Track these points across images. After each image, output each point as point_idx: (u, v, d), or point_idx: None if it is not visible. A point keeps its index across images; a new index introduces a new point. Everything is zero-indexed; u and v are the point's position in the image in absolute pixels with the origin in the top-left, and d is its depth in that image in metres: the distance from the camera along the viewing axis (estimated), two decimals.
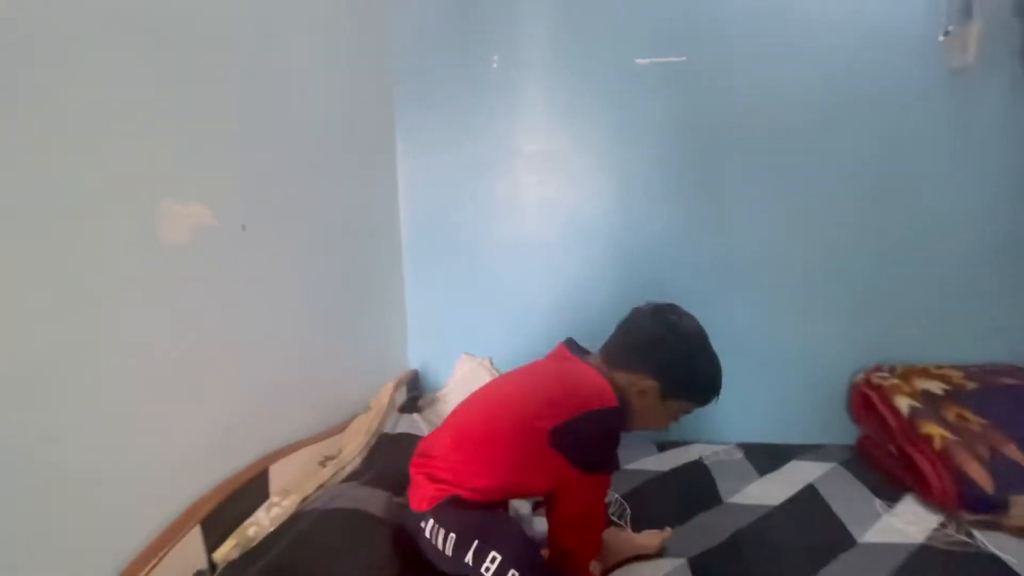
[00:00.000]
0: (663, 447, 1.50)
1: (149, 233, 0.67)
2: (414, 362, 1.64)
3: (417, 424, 1.27)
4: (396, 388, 1.34)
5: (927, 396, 1.27)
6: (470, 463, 0.79)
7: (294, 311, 1.01)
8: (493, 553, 0.70)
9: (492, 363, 1.52)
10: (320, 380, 1.12)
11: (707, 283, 1.51)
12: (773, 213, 1.47)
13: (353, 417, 1.19)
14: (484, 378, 1.44)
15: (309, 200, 1.06)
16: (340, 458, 0.97)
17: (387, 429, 1.20)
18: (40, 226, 0.55)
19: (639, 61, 1.45)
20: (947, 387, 1.28)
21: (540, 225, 1.56)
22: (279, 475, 0.87)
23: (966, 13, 1.32)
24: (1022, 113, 1.36)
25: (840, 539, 1.06)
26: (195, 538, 0.69)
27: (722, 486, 1.27)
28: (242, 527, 0.75)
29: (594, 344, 0.97)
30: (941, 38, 1.36)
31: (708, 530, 1.10)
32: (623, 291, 1.53)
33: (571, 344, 0.96)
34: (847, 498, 1.20)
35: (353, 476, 0.95)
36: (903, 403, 1.27)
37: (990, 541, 1.02)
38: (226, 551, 0.71)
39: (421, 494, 0.78)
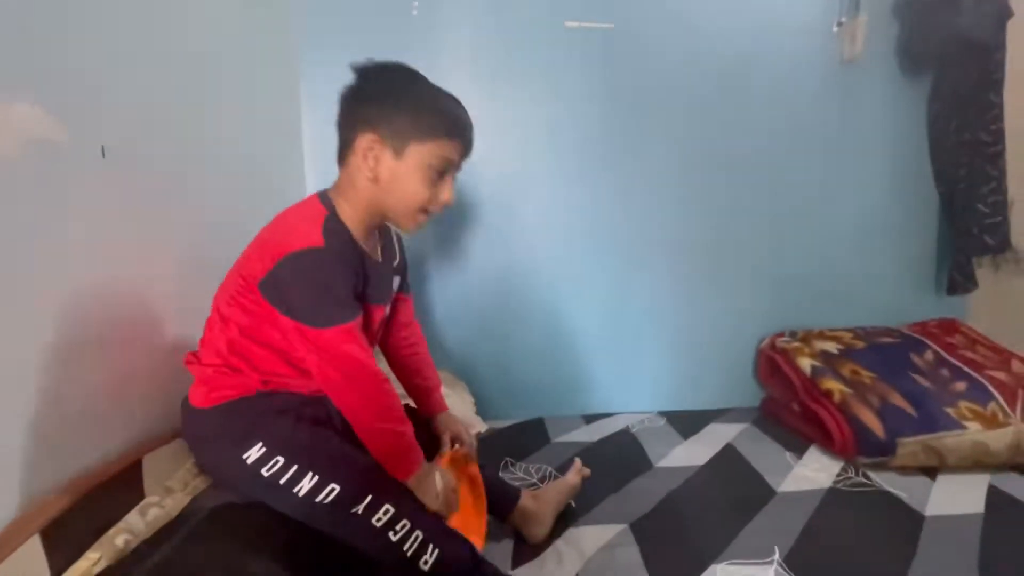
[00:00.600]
0: (590, 420, 1.49)
1: None
2: None
3: None
4: None
5: (825, 356, 1.38)
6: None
7: (177, 259, 0.82)
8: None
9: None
10: None
11: (619, 256, 1.52)
12: (682, 186, 1.51)
13: None
14: None
15: (195, 136, 0.87)
16: None
17: None
18: None
19: (568, 24, 1.41)
20: (841, 347, 1.41)
21: (465, 188, 1.46)
22: (156, 468, 0.69)
23: (855, 6, 1.45)
24: (901, 103, 1.53)
25: (761, 491, 1.11)
26: (33, 553, 0.51)
27: (651, 451, 1.29)
28: (107, 536, 0.57)
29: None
30: (835, 28, 1.48)
31: (643, 494, 1.10)
32: (551, 261, 1.50)
33: None
34: (762, 454, 1.27)
35: None
36: (805, 363, 1.37)
37: (884, 480, 1.13)
38: (85, 568, 0.53)
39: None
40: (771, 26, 1.47)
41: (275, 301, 0.68)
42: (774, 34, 1.47)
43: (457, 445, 0.89)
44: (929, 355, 1.36)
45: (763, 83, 1.49)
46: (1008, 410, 1.16)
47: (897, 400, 1.21)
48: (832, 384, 1.29)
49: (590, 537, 0.95)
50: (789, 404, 1.43)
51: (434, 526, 0.68)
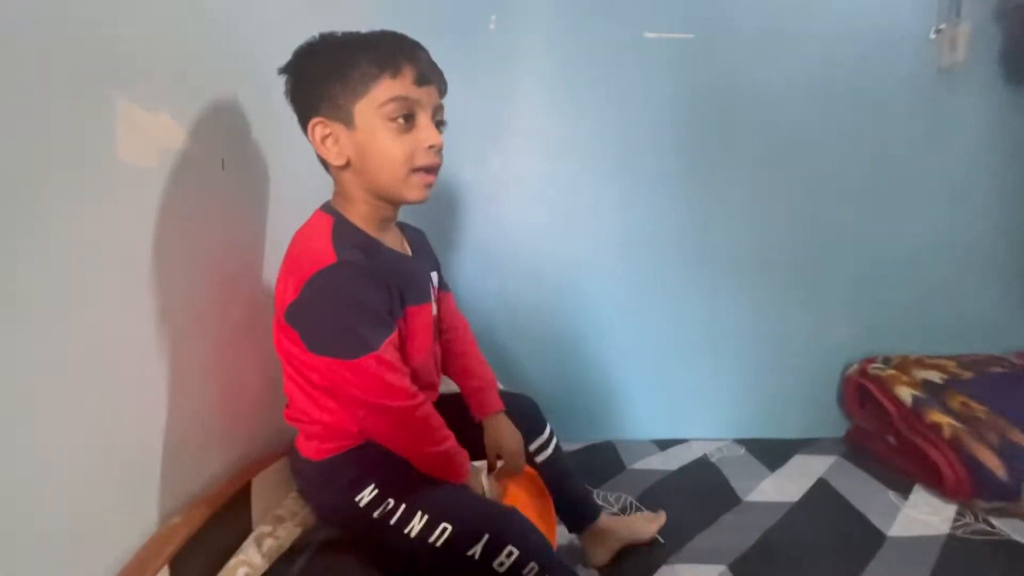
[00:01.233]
0: (663, 445, 1.42)
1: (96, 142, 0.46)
2: None
3: None
4: None
5: (929, 385, 1.28)
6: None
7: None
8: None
9: None
10: None
11: (700, 272, 1.45)
12: (767, 203, 1.44)
13: None
14: None
15: (292, 150, 0.86)
16: None
17: None
18: None
19: (648, 35, 1.37)
20: (945, 376, 1.29)
21: (534, 203, 1.43)
22: (264, 493, 0.66)
23: (955, 13, 1.36)
24: (1004, 115, 1.42)
25: (869, 534, 1.02)
26: None
27: (736, 484, 1.21)
28: (229, 568, 0.54)
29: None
30: (932, 36, 1.39)
31: (736, 531, 1.02)
32: (615, 278, 1.44)
33: None
34: (860, 491, 1.17)
35: None
36: (905, 393, 1.27)
37: (1010, 528, 1.02)
38: None
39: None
40: (859, 34, 1.39)
41: (314, 348, 0.60)
42: (863, 42, 1.39)
43: (500, 463, 0.81)
44: None
45: (850, 93, 1.41)
46: None
47: (1018, 438, 1.10)
48: (939, 417, 1.18)
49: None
50: (883, 436, 1.32)
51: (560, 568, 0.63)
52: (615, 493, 1.16)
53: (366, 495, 0.63)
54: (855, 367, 1.45)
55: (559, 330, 1.47)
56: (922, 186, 1.45)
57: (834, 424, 1.49)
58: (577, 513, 0.92)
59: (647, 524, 0.99)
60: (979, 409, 1.18)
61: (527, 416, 0.87)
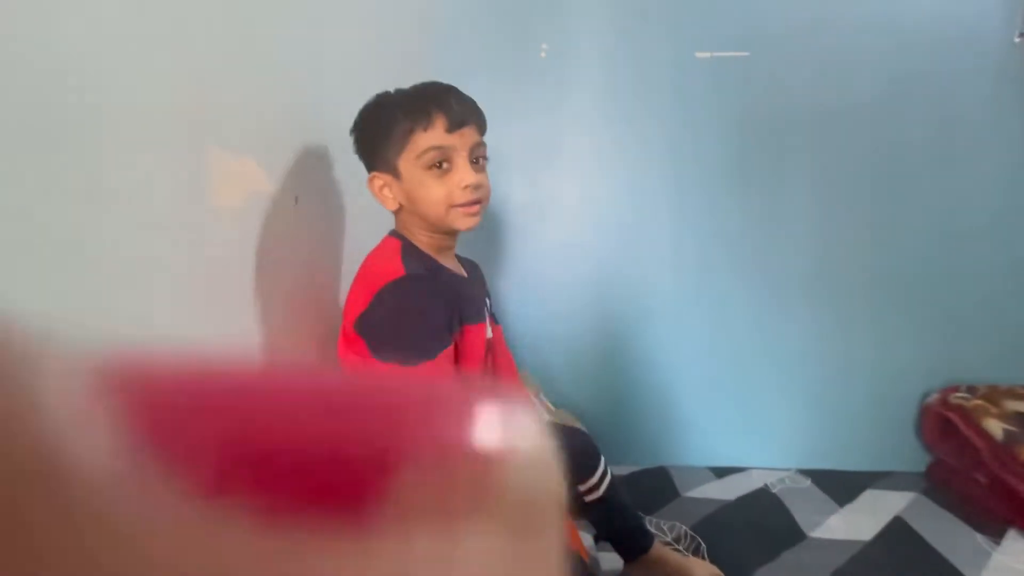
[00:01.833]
0: (720, 473, 1.37)
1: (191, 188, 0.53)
2: None
3: None
4: None
5: (1022, 418, 1.16)
6: None
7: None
8: None
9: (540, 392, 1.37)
10: None
11: (763, 294, 1.40)
12: (836, 220, 1.38)
13: None
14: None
15: (357, 185, 0.93)
16: None
17: None
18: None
19: (699, 55, 1.36)
20: None
21: (585, 226, 1.44)
22: None
23: None
24: None
25: None
26: None
27: (800, 518, 1.14)
28: None
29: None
30: (1016, 39, 1.30)
31: (801, 570, 0.97)
32: (669, 298, 1.42)
33: None
34: (944, 533, 1.08)
35: None
36: (995, 427, 1.16)
37: None
38: None
39: None
40: (933, 41, 1.31)
41: (377, 352, 0.66)
42: (937, 49, 1.31)
43: None
44: None
45: (924, 104, 1.33)
46: None
47: None
48: None
49: None
50: (970, 474, 1.21)
51: None
52: (668, 522, 1.13)
53: None
54: (935, 396, 1.34)
55: (610, 351, 1.46)
56: (1011, 202, 1.34)
57: (911, 457, 1.38)
58: (631, 543, 0.91)
59: (702, 567, 0.93)
60: None
61: (581, 454, 0.87)
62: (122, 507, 0.08)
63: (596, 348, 1.46)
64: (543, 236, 1.44)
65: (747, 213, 1.39)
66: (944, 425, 1.29)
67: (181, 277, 0.53)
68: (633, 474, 1.37)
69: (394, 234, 0.75)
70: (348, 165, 0.87)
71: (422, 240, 0.73)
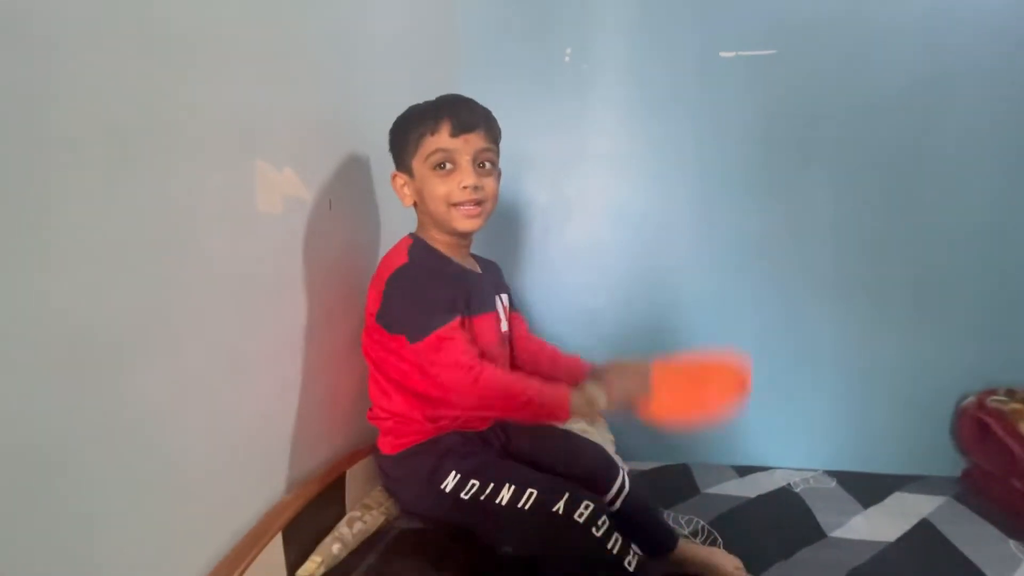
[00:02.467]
0: (743, 472, 1.37)
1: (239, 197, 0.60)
2: None
3: None
4: None
5: None
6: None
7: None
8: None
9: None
10: None
11: (790, 293, 1.39)
12: (865, 218, 1.35)
13: None
14: None
15: (386, 191, 1.00)
16: None
17: None
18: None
19: (723, 55, 1.37)
20: None
21: (612, 228, 1.47)
22: (356, 483, 0.78)
23: None
24: None
25: None
26: (276, 548, 0.60)
27: (822, 518, 1.14)
28: (326, 543, 0.66)
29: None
30: None
31: (818, 567, 0.97)
32: (700, 301, 1.43)
33: None
34: (974, 538, 1.05)
35: None
36: None
37: None
38: (311, 569, 0.61)
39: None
40: (963, 41, 1.27)
41: (391, 327, 0.73)
42: (967, 49, 1.27)
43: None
44: None
45: (954, 103, 1.28)
46: None
47: None
48: None
49: None
50: (1006, 479, 1.17)
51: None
52: (686, 516, 1.15)
53: (450, 481, 0.72)
54: (972, 399, 1.30)
55: (635, 349, 1.47)
56: None
57: (945, 461, 1.34)
58: (654, 544, 0.90)
59: (726, 558, 0.94)
60: None
61: (598, 470, 0.87)
62: None
63: (621, 346, 1.48)
64: (568, 236, 1.48)
65: (773, 212, 1.39)
66: (980, 429, 1.25)
67: (228, 276, 0.60)
68: (655, 469, 1.40)
69: (410, 235, 0.82)
70: (378, 173, 0.95)
71: (436, 238, 0.80)
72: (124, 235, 0.47)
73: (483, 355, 0.73)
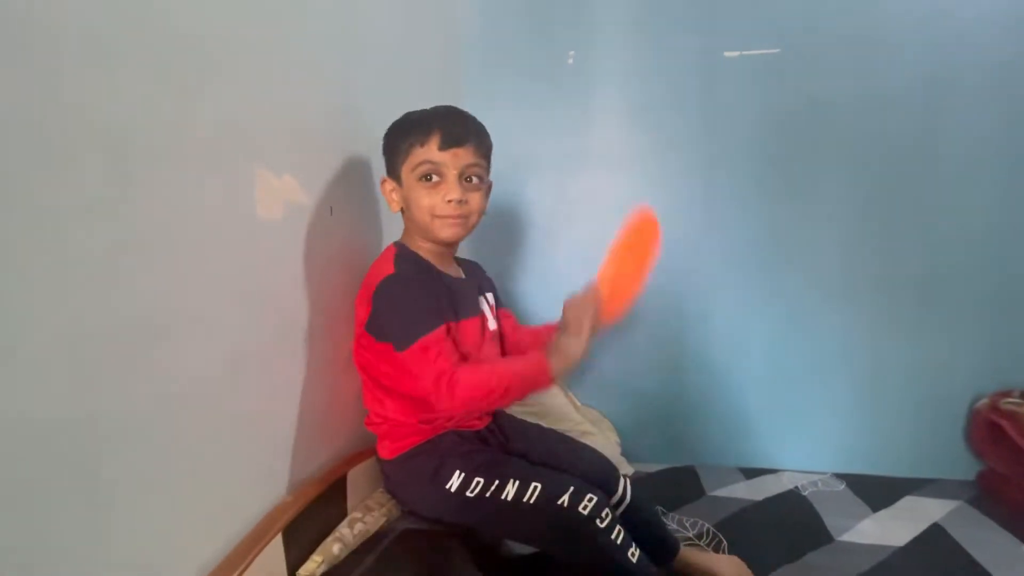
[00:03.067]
0: (749, 474, 1.36)
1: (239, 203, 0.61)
2: None
3: None
4: None
5: None
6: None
7: None
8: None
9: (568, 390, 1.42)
10: None
11: (798, 293, 1.38)
12: (874, 218, 1.33)
13: None
14: (557, 396, 1.34)
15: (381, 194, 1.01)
16: None
17: None
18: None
19: (727, 54, 1.36)
20: None
21: (613, 229, 1.45)
22: (357, 484, 0.79)
23: None
24: None
25: None
26: (276, 549, 0.61)
27: (829, 521, 1.12)
28: (327, 543, 0.67)
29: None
30: None
31: (826, 573, 0.96)
32: (707, 302, 1.42)
33: None
34: (984, 543, 1.03)
35: None
36: None
37: None
38: (311, 569, 0.62)
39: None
40: (971, 37, 1.24)
41: (379, 336, 0.75)
42: (975, 45, 1.24)
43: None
44: None
45: (963, 100, 1.25)
46: None
47: None
48: None
49: None
50: (1021, 482, 1.15)
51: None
52: (691, 518, 1.14)
53: (455, 480, 0.73)
54: (985, 400, 1.28)
55: (641, 350, 1.48)
56: None
57: (958, 464, 1.32)
58: (658, 551, 0.89)
59: (730, 563, 0.93)
60: None
61: (598, 479, 0.85)
62: None
63: (625, 348, 1.48)
64: (571, 238, 1.48)
65: (780, 213, 1.37)
66: (994, 431, 1.23)
67: (228, 280, 0.61)
68: (660, 471, 1.39)
69: (395, 243, 0.83)
70: (378, 178, 0.95)
71: (420, 246, 0.81)
72: (124, 240, 0.48)
73: (463, 358, 0.74)
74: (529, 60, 1.45)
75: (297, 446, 0.74)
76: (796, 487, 1.27)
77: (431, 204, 0.76)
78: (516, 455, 0.82)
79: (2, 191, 0.39)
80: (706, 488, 1.28)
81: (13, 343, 0.40)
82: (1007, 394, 1.25)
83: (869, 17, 1.28)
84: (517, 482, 0.71)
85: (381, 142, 0.82)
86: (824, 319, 1.37)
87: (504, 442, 0.85)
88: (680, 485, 1.30)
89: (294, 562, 0.64)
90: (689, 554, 0.93)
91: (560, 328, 0.77)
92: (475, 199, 0.78)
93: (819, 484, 1.29)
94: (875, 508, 1.17)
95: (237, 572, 0.55)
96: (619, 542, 0.71)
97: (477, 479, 0.72)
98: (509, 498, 0.70)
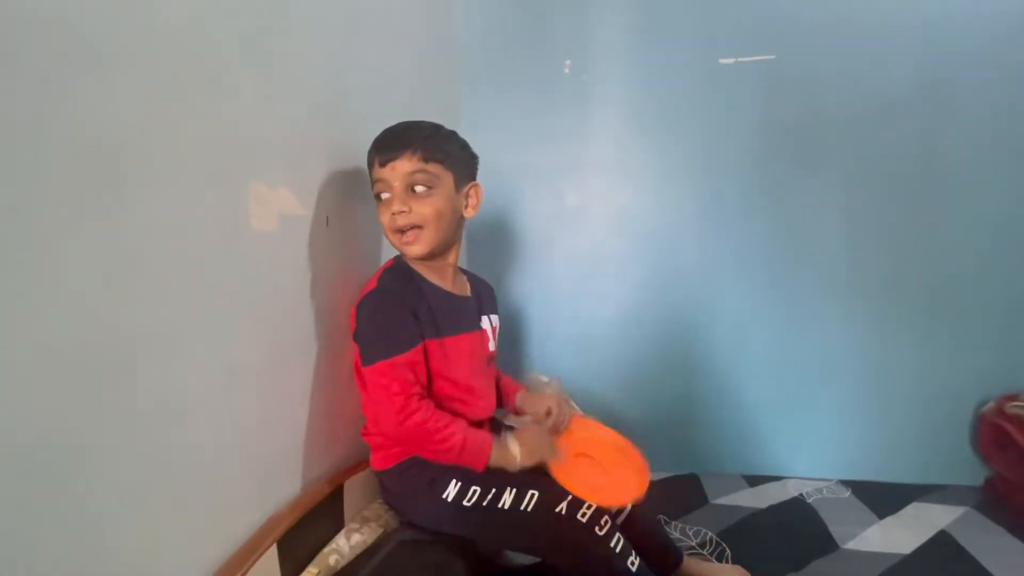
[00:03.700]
0: (753, 482, 1.34)
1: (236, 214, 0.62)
2: None
3: None
4: None
5: None
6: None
7: None
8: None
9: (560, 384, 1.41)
10: None
11: (802, 300, 1.37)
12: (874, 224, 1.33)
13: None
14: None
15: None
16: None
17: None
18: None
19: (723, 61, 1.37)
20: None
21: (612, 236, 1.47)
22: (354, 495, 0.78)
23: None
24: None
25: None
26: (271, 561, 0.61)
27: (835, 529, 1.11)
28: (323, 554, 0.66)
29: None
30: None
31: None
32: (708, 309, 1.41)
33: None
34: (992, 550, 1.02)
35: None
36: None
37: None
38: None
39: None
40: (966, 43, 1.25)
41: (360, 350, 0.75)
42: (970, 51, 1.24)
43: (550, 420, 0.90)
44: None
45: (960, 106, 1.26)
46: None
47: None
48: None
49: None
50: None
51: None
52: (694, 527, 1.13)
53: (451, 490, 0.73)
54: (991, 405, 1.26)
55: (643, 358, 1.47)
56: None
57: (965, 470, 1.30)
58: (661, 561, 0.89)
59: (734, 573, 0.93)
60: None
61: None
62: None
63: (626, 355, 1.47)
64: (570, 246, 1.48)
65: (778, 219, 1.37)
66: (1000, 436, 1.21)
67: (225, 290, 0.62)
68: (663, 480, 1.37)
69: (394, 256, 0.83)
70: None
71: (415, 261, 0.81)
72: (124, 249, 0.49)
73: (468, 391, 0.77)
74: (526, 69, 1.46)
75: (294, 456, 0.74)
76: (801, 494, 1.26)
77: (386, 221, 0.77)
78: None
79: None
80: (709, 496, 1.27)
81: (9, 355, 0.40)
82: (1014, 398, 1.23)
83: (863, 21, 1.28)
84: (514, 490, 0.71)
85: None
86: (827, 323, 1.36)
87: None
88: (683, 493, 1.29)
89: (290, 574, 0.63)
90: (692, 564, 0.92)
91: (522, 401, 0.91)
92: (422, 208, 0.76)
93: (824, 491, 1.27)
94: (881, 515, 1.16)
95: None
96: (618, 551, 0.70)
97: (474, 488, 0.72)
98: (506, 506, 0.70)
